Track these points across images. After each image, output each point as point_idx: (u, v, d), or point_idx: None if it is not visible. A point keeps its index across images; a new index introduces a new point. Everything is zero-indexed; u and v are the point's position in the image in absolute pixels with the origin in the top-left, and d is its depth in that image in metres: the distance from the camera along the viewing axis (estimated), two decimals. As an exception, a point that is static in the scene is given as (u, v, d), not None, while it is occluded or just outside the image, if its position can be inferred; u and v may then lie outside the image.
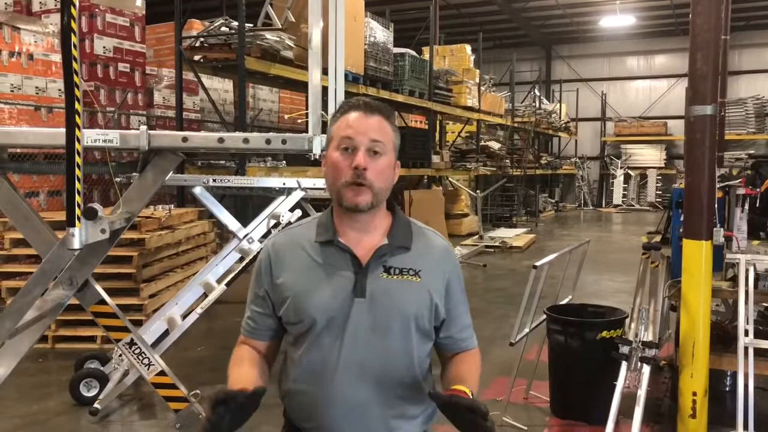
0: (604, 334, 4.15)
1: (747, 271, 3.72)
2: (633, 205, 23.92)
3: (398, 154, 1.73)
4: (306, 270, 1.67)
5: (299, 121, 11.80)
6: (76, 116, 2.57)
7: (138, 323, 5.28)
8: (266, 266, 1.73)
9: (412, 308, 1.66)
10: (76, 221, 2.65)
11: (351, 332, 1.63)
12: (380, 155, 1.64)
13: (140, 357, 3.56)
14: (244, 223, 4.74)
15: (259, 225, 4.71)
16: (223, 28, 8.03)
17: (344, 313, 1.63)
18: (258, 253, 4.38)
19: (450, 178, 15.30)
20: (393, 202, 1.78)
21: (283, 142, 3.36)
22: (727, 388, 4.57)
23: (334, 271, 1.66)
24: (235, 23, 7.79)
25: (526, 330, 4.38)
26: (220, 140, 3.32)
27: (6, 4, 9.07)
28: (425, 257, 1.71)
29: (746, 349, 3.59)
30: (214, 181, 4.83)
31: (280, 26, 8.22)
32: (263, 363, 1.74)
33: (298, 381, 1.68)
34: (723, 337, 4.05)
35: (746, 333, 3.61)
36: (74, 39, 2.54)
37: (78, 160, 2.60)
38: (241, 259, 4.68)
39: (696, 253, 3.58)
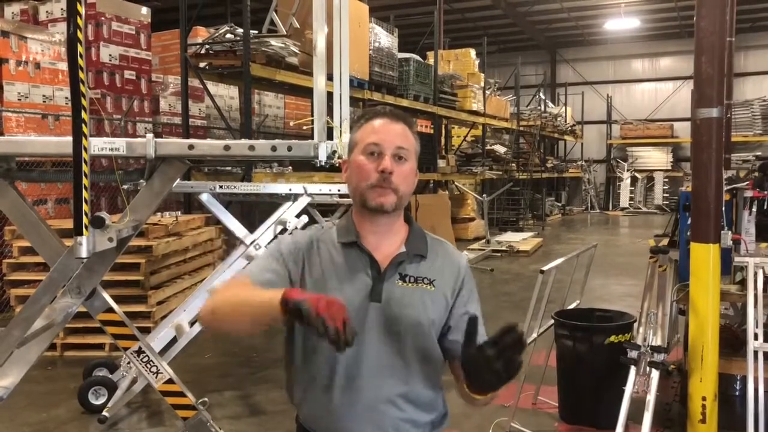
0: (613, 338, 4.13)
1: (756, 274, 3.70)
2: (640, 208, 23.84)
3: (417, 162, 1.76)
4: (327, 268, 1.70)
5: (305, 127, 11.83)
6: (83, 125, 2.58)
7: (146, 330, 5.29)
8: (293, 250, 1.70)
9: (424, 316, 1.68)
10: (84, 230, 2.65)
11: (365, 336, 1.64)
12: (405, 161, 1.68)
13: (148, 365, 3.56)
14: (251, 229, 4.75)
15: (266, 231, 4.71)
16: (228, 35, 8.05)
17: (360, 316, 1.64)
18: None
19: (456, 183, 15.29)
20: (408, 214, 1.81)
21: (289, 149, 3.36)
22: (737, 393, 4.54)
23: (353, 274, 1.68)
24: (240, 30, 7.81)
25: (534, 335, 4.36)
26: (227, 148, 3.31)
27: (13, 13, 9.15)
28: (440, 267, 1.74)
29: (756, 353, 3.57)
30: (221, 187, 4.84)
31: (285, 33, 8.24)
32: None
33: (312, 386, 1.69)
34: (732, 341, 4.03)
35: (755, 337, 3.59)
36: (81, 48, 2.55)
37: (85, 168, 2.61)
38: (248, 266, 4.68)
39: (704, 257, 3.57)
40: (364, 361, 1.64)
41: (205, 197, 4.67)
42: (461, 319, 1.74)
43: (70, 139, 2.63)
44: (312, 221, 4.95)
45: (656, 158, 24.19)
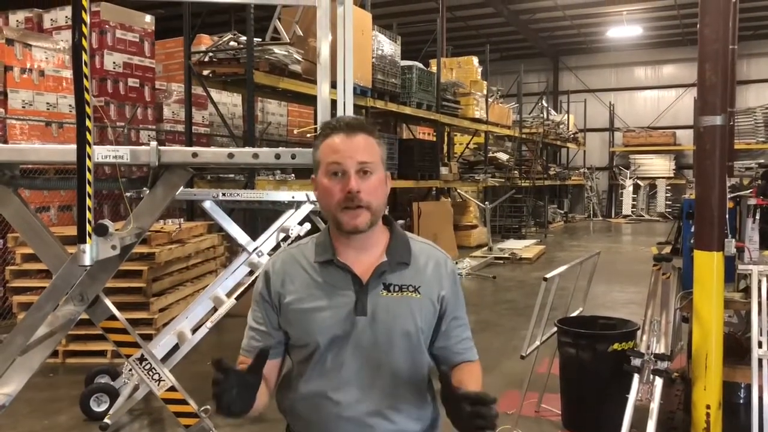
0: (616, 346, 4.12)
1: (759, 282, 3.69)
2: (642, 216, 23.80)
3: (389, 165, 1.75)
4: (307, 290, 1.69)
5: (308, 135, 11.85)
6: (87, 133, 2.58)
7: (148, 337, 5.28)
8: (269, 287, 1.73)
9: (412, 325, 1.67)
10: (87, 238, 2.65)
11: (353, 350, 1.65)
12: (370, 174, 1.64)
13: (150, 372, 3.56)
14: (254, 236, 4.75)
15: (268, 238, 4.71)
16: (232, 43, 8.09)
17: (346, 331, 1.64)
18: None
19: (458, 190, 15.29)
20: (389, 218, 1.79)
21: (293, 156, 3.36)
22: (741, 401, 4.51)
23: (334, 291, 1.67)
24: (243, 38, 7.84)
25: (537, 342, 4.35)
26: (231, 156, 3.32)
27: (18, 21, 9.19)
28: (424, 272, 1.72)
29: (760, 360, 3.56)
30: (224, 195, 4.84)
31: (289, 40, 8.27)
32: (264, 383, 1.69)
33: (302, 397, 1.69)
34: (736, 349, 4.01)
35: (760, 345, 3.58)
36: (85, 57, 2.55)
37: (89, 176, 2.61)
38: (251, 273, 4.68)
39: (707, 264, 3.56)
40: (351, 375, 1.65)
41: (207, 204, 4.68)
42: (450, 325, 1.75)
43: (74, 146, 2.63)
44: (315, 228, 4.94)
45: (659, 166, 24.18)
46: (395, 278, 1.68)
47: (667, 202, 23.49)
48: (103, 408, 4.47)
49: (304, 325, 1.66)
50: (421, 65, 12.16)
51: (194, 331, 4.52)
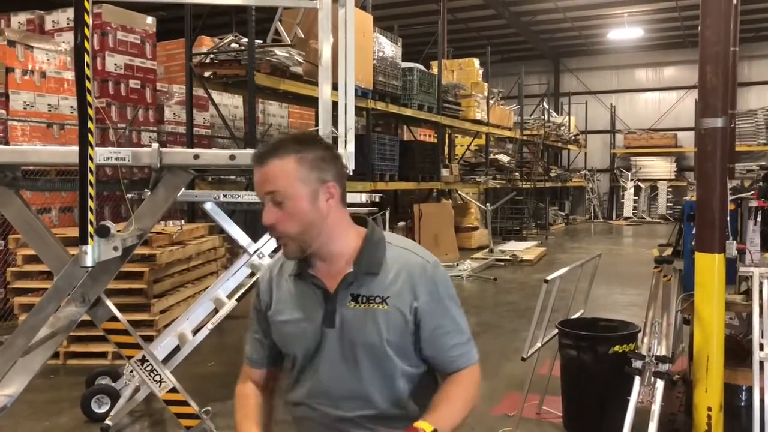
0: (617, 348, 4.12)
1: (761, 284, 3.69)
2: (644, 218, 23.79)
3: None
4: (286, 302, 1.73)
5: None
6: (89, 135, 2.58)
7: (149, 339, 5.29)
8: (260, 297, 1.80)
9: (376, 337, 1.64)
10: (89, 239, 2.66)
11: (323, 363, 1.67)
12: (283, 203, 1.60)
13: (152, 374, 3.56)
14: (255, 238, 4.75)
15: (269, 240, 4.71)
16: (233, 45, 8.09)
17: (317, 343, 1.67)
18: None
19: (459, 192, 15.29)
20: (366, 218, 1.75)
21: (294, 158, 3.36)
22: (743, 403, 4.51)
23: (306, 302, 1.69)
24: (244, 40, 7.85)
25: (538, 344, 4.35)
26: (232, 157, 3.32)
27: (19, 23, 9.20)
28: (394, 282, 1.66)
29: (761, 363, 3.56)
30: (225, 196, 4.85)
31: (290, 42, 8.28)
32: (267, 405, 1.81)
33: (293, 404, 1.77)
34: (737, 351, 4.01)
35: (761, 347, 3.58)
36: (87, 58, 2.56)
37: (91, 178, 2.61)
38: (252, 275, 4.68)
39: (709, 267, 3.56)
40: (325, 385, 1.68)
41: (209, 206, 4.68)
42: (433, 334, 1.68)
43: (75, 148, 2.64)
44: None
45: (660, 168, 24.18)
46: (363, 289, 1.65)
47: (669, 204, 23.48)
48: (104, 409, 4.47)
49: (284, 336, 1.72)
50: (422, 67, 12.17)
51: (195, 332, 4.53)
